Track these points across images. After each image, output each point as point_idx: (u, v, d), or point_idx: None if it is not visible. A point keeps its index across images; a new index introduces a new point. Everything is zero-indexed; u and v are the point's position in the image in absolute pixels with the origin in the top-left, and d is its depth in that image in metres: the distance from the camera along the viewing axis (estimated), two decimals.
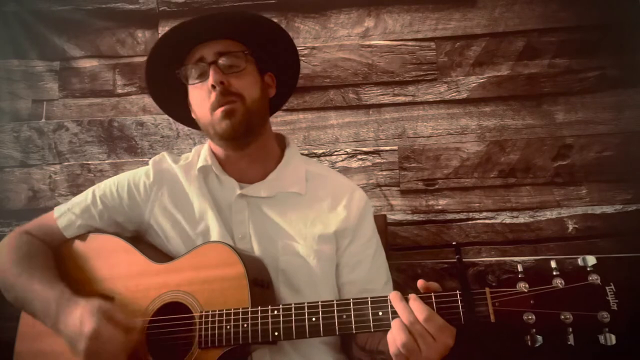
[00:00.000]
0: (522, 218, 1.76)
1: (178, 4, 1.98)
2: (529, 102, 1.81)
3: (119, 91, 2.01)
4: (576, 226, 1.73)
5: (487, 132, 1.81)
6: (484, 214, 1.78)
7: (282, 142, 1.38)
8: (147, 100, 1.98)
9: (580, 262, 0.93)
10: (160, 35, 1.96)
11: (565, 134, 1.78)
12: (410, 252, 1.78)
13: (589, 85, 1.78)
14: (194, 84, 1.24)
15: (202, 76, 1.22)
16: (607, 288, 0.89)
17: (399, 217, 1.81)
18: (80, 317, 1.07)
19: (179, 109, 1.35)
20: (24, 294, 1.18)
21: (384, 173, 1.84)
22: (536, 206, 1.76)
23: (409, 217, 1.81)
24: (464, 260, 0.94)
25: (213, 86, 1.18)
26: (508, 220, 1.77)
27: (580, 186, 1.76)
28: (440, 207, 1.80)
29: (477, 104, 1.83)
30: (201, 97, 1.22)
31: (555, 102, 1.79)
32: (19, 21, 2.04)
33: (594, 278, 0.90)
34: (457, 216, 1.79)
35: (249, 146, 1.26)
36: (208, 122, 1.22)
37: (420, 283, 0.97)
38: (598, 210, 1.73)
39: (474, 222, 1.78)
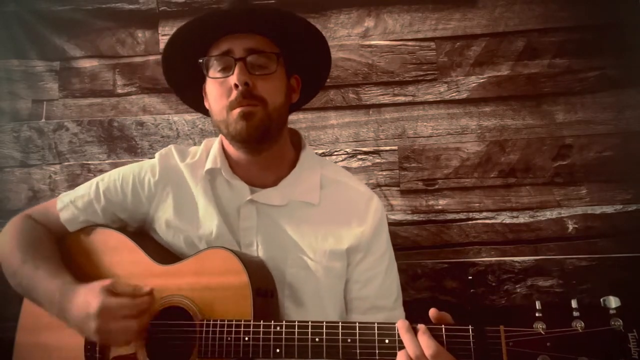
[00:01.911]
0: (522, 218, 1.76)
1: (178, 4, 1.98)
2: (529, 102, 1.81)
3: (119, 91, 2.01)
4: (576, 226, 1.73)
5: (487, 132, 1.81)
6: (484, 214, 1.78)
7: (297, 142, 1.31)
8: (147, 100, 1.98)
9: (602, 303, 0.87)
10: (160, 37, 1.98)
11: (565, 134, 1.78)
12: (410, 252, 1.78)
13: (589, 85, 1.78)
14: (215, 77, 1.15)
15: (226, 70, 1.14)
16: (629, 335, 0.84)
17: (399, 217, 1.81)
18: (85, 299, 1.07)
19: (193, 95, 1.29)
20: (28, 281, 1.17)
21: (384, 173, 1.84)
22: (536, 206, 1.76)
23: (409, 217, 1.81)
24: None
25: (236, 85, 1.10)
26: (508, 220, 1.77)
27: (580, 186, 1.76)
28: (440, 207, 1.80)
29: (477, 104, 1.83)
30: (220, 93, 1.14)
31: (555, 102, 1.79)
32: (19, 21, 2.04)
33: (617, 323, 0.85)
34: (457, 216, 1.79)
35: (263, 152, 1.19)
36: (222, 119, 1.14)
37: (432, 312, 0.94)
38: (598, 210, 1.73)
39: (474, 222, 1.78)
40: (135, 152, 1.97)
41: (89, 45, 2.02)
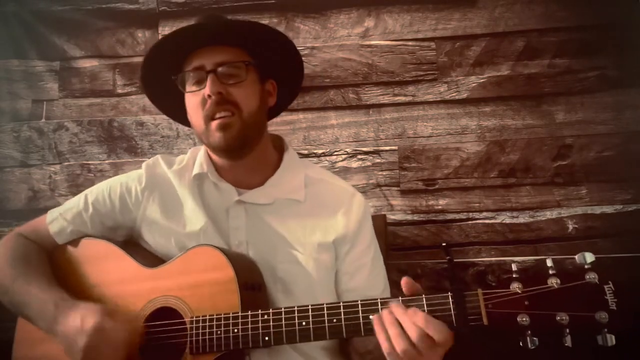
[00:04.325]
0: (522, 218, 1.76)
1: (178, 4, 1.98)
2: (529, 102, 1.81)
3: (119, 91, 2.01)
4: (576, 226, 1.73)
5: (487, 132, 1.81)
6: (484, 214, 1.78)
7: (279, 145, 1.35)
8: (147, 100, 1.95)
9: (578, 259, 0.88)
10: (159, 37, 1.98)
11: (565, 134, 1.78)
12: (410, 252, 1.78)
13: (589, 85, 1.78)
14: (191, 91, 1.20)
15: (199, 84, 1.18)
16: (605, 287, 0.85)
17: (399, 217, 1.81)
18: (82, 315, 1.07)
19: (177, 110, 1.32)
20: (20, 297, 1.17)
21: (384, 173, 1.84)
22: (536, 206, 1.76)
23: (409, 217, 1.81)
24: (455, 260, 0.92)
25: (209, 95, 1.15)
26: (508, 220, 1.77)
27: (580, 186, 1.76)
28: (440, 207, 1.80)
29: (477, 104, 1.83)
30: (196, 105, 1.19)
31: (555, 102, 1.79)
32: (19, 21, 2.04)
33: (592, 277, 0.85)
34: (457, 216, 1.79)
35: (245, 157, 1.23)
36: (202, 131, 1.20)
37: (404, 283, 0.96)
38: (598, 210, 1.73)
39: (474, 222, 1.78)
40: (135, 152, 1.97)
41: (89, 45, 2.03)
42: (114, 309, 1.10)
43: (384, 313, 0.94)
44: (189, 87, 1.21)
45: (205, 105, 1.17)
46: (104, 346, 1.04)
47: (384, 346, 0.92)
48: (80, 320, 1.06)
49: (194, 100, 1.19)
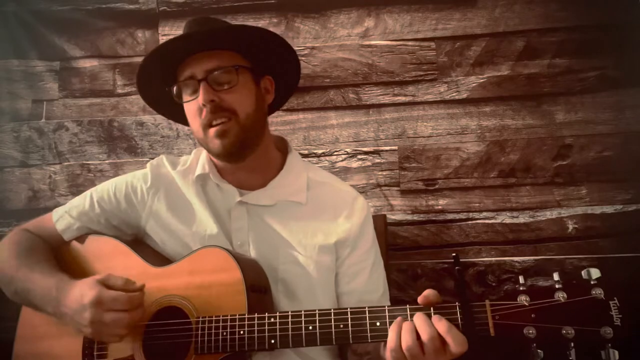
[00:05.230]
0: (522, 218, 1.76)
1: (178, 4, 1.98)
2: (529, 102, 1.81)
3: (119, 91, 2.01)
4: (576, 226, 1.73)
5: (487, 132, 1.82)
6: (484, 214, 1.78)
7: (283, 147, 1.35)
8: None
9: (584, 274, 0.90)
10: (160, 38, 1.98)
11: (565, 134, 1.78)
12: (410, 252, 1.78)
13: (589, 85, 1.78)
14: (187, 101, 1.21)
15: (194, 93, 1.19)
16: (610, 303, 0.86)
17: (399, 217, 1.81)
18: (80, 291, 1.09)
19: (177, 113, 1.32)
20: (23, 284, 1.18)
21: (384, 173, 1.84)
22: (536, 206, 1.76)
23: (409, 217, 1.81)
24: (462, 266, 0.92)
25: (203, 104, 1.16)
26: (508, 220, 1.77)
27: (580, 186, 1.76)
28: (440, 207, 1.80)
29: (477, 104, 1.83)
30: (193, 114, 1.20)
31: (555, 102, 1.79)
32: (19, 21, 2.04)
33: (598, 292, 0.87)
34: (457, 216, 1.79)
35: (245, 159, 1.23)
36: (201, 138, 1.21)
37: (419, 300, 0.96)
38: (598, 210, 1.73)
39: (474, 222, 1.78)
40: (135, 152, 1.97)
41: (89, 45, 2.03)
42: (110, 275, 1.11)
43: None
44: (185, 97, 1.21)
45: (202, 114, 1.17)
46: (107, 315, 1.06)
47: (391, 341, 0.92)
48: (79, 296, 1.08)
49: (191, 109, 1.20)
